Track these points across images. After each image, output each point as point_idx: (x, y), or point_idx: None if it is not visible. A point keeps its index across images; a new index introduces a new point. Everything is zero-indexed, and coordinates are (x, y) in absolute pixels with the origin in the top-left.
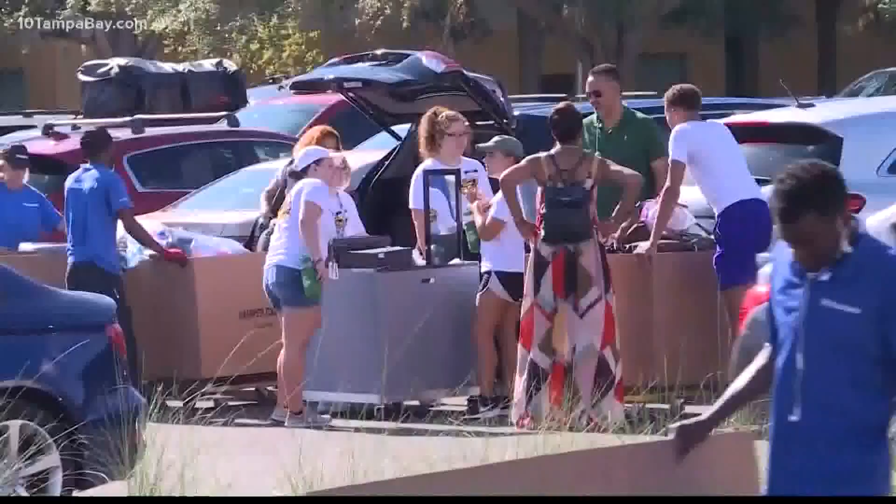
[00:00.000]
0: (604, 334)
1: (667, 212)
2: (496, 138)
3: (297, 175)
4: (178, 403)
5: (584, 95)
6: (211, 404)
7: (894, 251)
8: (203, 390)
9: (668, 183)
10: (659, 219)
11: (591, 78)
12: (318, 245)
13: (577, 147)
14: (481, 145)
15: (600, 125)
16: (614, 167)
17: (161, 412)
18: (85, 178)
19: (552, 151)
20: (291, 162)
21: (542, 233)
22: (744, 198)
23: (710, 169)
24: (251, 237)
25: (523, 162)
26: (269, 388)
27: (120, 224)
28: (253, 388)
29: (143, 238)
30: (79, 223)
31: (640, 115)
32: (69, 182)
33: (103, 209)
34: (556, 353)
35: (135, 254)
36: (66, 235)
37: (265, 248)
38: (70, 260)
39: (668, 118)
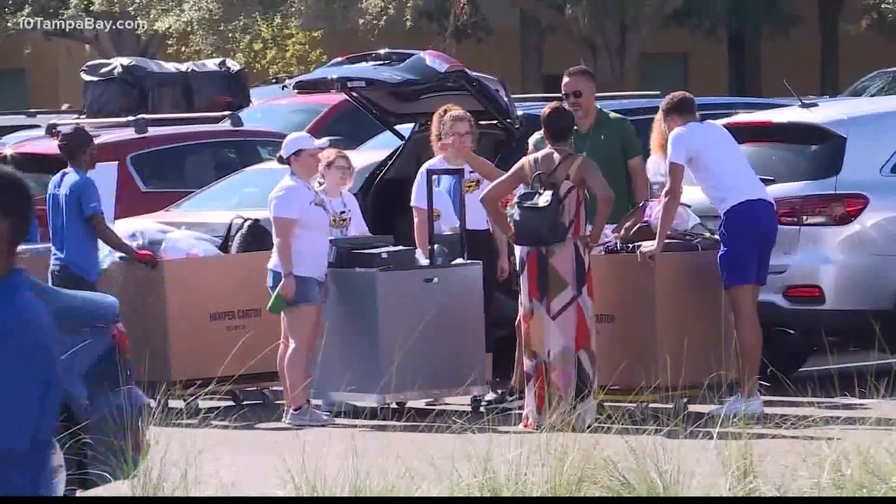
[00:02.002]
0: (577, 337)
1: (669, 214)
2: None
3: (284, 161)
4: (181, 403)
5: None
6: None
7: (29, 299)
8: (172, 391)
9: (668, 185)
10: (662, 222)
11: (567, 79)
12: (289, 259)
13: (564, 148)
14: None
15: (575, 127)
16: (594, 174)
17: (165, 412)
18: (62, 183)
19: (541, 153)
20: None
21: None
22: (747, 198)
23: (710, 169)
24: (226, 237)
25: (509, 173)
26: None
27: None
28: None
29: (114, 243)
30: (57, 229)
31: (613, 114)
32: (49, 187)
33: (77, 215)
34: (536, 355)
35: (106, 255)
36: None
37: (239, 250)
38: (51, 265)
39: (666, 127)
